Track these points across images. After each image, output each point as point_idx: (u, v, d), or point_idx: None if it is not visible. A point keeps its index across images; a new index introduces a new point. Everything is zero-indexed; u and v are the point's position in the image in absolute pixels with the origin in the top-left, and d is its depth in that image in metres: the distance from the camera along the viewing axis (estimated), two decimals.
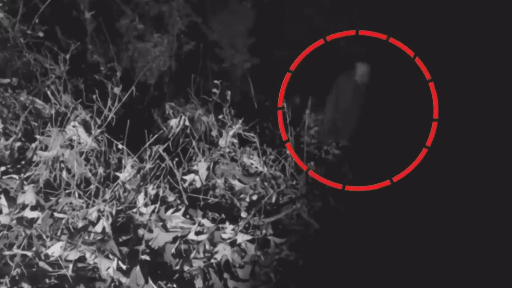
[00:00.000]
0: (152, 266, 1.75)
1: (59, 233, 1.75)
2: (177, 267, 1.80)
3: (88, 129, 2.14)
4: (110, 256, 1.69)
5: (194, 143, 2.38)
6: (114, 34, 3.53)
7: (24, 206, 1.77)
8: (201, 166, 2.29)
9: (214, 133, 2.64)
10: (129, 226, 1.88)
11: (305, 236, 2.17)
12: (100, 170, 2.02)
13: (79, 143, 2.09)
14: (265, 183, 2.36)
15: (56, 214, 1.79)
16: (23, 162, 2.03)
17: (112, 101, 2.14)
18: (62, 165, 1.99)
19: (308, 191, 2.39)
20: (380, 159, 2.87)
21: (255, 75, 3.70)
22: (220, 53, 4.21)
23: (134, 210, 1.93)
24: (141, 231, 1.88)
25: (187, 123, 2.55)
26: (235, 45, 4.20)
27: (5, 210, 1.75)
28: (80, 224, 1.80)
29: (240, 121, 2.50)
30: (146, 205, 1.93)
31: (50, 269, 1.63)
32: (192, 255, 1.86)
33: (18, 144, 2.08)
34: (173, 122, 2.60)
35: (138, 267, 1.68)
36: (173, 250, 1.83)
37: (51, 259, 1.66)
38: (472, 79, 3.72)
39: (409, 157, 2.84)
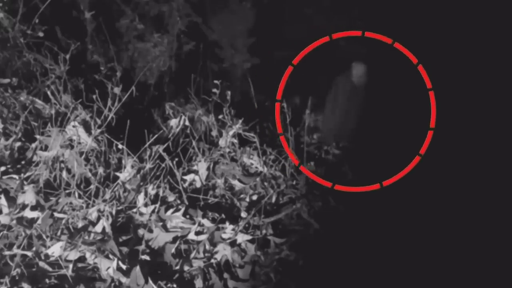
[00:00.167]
0: (152, 266, 1.75)
1: (59, 233, 1.75)
2: (177, 267, 1.80)
3: (88, 129, 2.14)
4: (110, 256, 1.69)
5: (194, 143, 2.38)
6: (114, 34, 3.53)
7: (24, 206, 1.77)
8: (201, 166, 2.29)
9: (214, 133, 2.64)
10: (129, 226, 1.88)
11: (305, 236, 2.17)
12: (100, 170, 2.02)
13: (79, 143, 2.09)
14: (265, 183, 2.36)
15: (56, 214, 1.79)
16: (23, 162, 2.03)
17: (112, 101, 2.14)
18: (62, 165, 1.99)
19: (308, 191, 2.39)
20: (377, 160, 2.87)
21: (255, 75, 3.69)
22: (220, 53, 4.21)
23: (134, 210, 1.93)
24: (141, 231, 1.88)
25: (187, 123, 2.55)
26: (235, 45, 4.20)
27: (5, 210, 1.75)
28: (80, 224, 1.80)
29: (240, 121, 2.50)
30: (146, 205, 1.93)
31: (50, 269, 1.63)
32: (192, 255, 1.86)
33: (18, 144, 2.08)
34: (173, 122, 2.60)
35: (138, 267, 1.68)
36: (173, 250, 1.83)
37: (51, 259, 1.66)
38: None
39: (406, 160, 2.84)
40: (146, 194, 1.96)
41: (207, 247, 1.90)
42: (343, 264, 2.06)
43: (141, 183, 2.01)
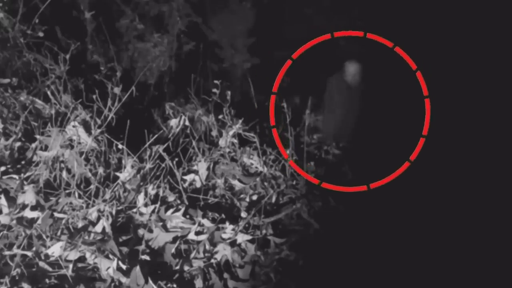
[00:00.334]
0: (152, 266, 1.75)
1: (59, 233, 1.75)
2: (177, 267, 1.80)
3: (88, 129, 2.14)
4: (110, 256, 1.69)
5: (194, 143, 2.38)
6: (114, 34, 3.53)
7: (24, 206, 1.77)
8: (201, 166, 2.29)
9: (214, 133, 2.64)
10: (129, 226, 1.88)
11: (305, 236, 2.17)
12: (100, 170, 2.02)
13: (79, 143, 2.09)
14: (265, 183, 2.36)
15: (56, 214, 1.79)
16: (23, 162, 2.03)
17: (112, 101, 2.14)
18: (62, 165, 1.99)
19: (308, 191, 2.39)
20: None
21: (255, 75, 3.70)
22: (220, 53, 4.21)
23: (134, 210, 1.93)
24: (141, 231, 1.88)
25: (187, 123, 2.55)
26: (235, 45, 4.20)
27: (5, 210, 1.75)
28: (80, 224, 1.80)
29: (240, 121, 2.50)
30: (146, 205, 1.93)
31: (50, 269, 1.63)
32: (192, 255, 1.86)
33: (18, 144, 2.08)
34: (173, 122, 2.60)
35: (138, 267, 1.68)
36: (173, 250, 1.83)
37: (51, 259, 1.66)
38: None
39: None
40: (146, 194, 1.96)
41: (207, 247, 1.90)
42: (343, 264, 2.06)
43: (141, 183, 2.01)
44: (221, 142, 2.49)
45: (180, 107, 2.88)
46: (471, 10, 4.09)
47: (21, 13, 2.59)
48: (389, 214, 2.42)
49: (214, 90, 2.53)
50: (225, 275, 1.87)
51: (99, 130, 2.10)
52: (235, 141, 2.49)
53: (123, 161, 2.08)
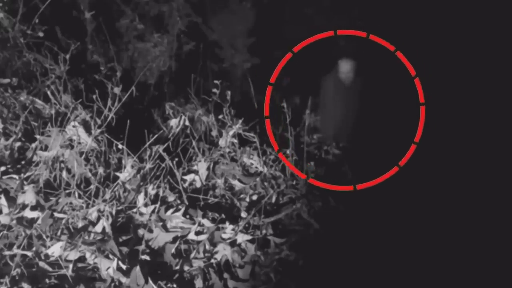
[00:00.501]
0: (152, 266, 1.75)
1: (59, 233, 1.75)
2: (177, 267, 1.80)
3: (88, 129, 2.14)
4: (110, 256, 1.69)
5: (194, 143, 2.38)
6: (114, 34, 3.53)
7: (24, 206, 1.77)
8: (201, 166, 2.29)
9: (214, 133, 2.64)
10: (129, 226, 1.88)
11: (305, 236, 2.17)
12: (100, 170, 2.02)
13: (79, 143, 2.09)
14: (265, 183, 2.36)
15: (56, 214, 1.79)
16: (23, 162, 2.03)
17: (112, 101, 2.14)
18: (62, 165, 1.99)
19: (308, 191, 2.39)
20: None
21: (255, 75, 3.70)
22: (220, 53, 4.22)
23: (134, 210, 1.93)
24: (141, 231, 1.88)
25: (187, 123, 2.55)
26: (235, 45, 4.21)
27: (5, 210, 1.75)
28: (80, 224, 1.80)
29: (240, 121, 2.50)
30: (146, 205, 1.93)
31: (50, 269, 1.63)
32: (192, 255, 1.86)
33: (18, 144, 2.08)
34: (173, 122, 2.60)
35: (138, 267, 1.68)
36: (173, 250, 1.83)
37: (51, 259, 1.66)
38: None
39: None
40: (146, 194, 1.96)
41: (207, 247, 1.90)
42: (343, 264, 2.06)
43: (141, 183, 2.01)
44: (221, 142, 2.49)
45: (180, 107, 2.88)
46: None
47: (21, 13, 2.59)
48: (389, 214, 2.42)
49: (214, 90, 2.53)
50: (225, 275, 1.87)
51: (99, 130, 2.10)
52: (235, 141, 2.49)
53: (123, 161, 2.08)
